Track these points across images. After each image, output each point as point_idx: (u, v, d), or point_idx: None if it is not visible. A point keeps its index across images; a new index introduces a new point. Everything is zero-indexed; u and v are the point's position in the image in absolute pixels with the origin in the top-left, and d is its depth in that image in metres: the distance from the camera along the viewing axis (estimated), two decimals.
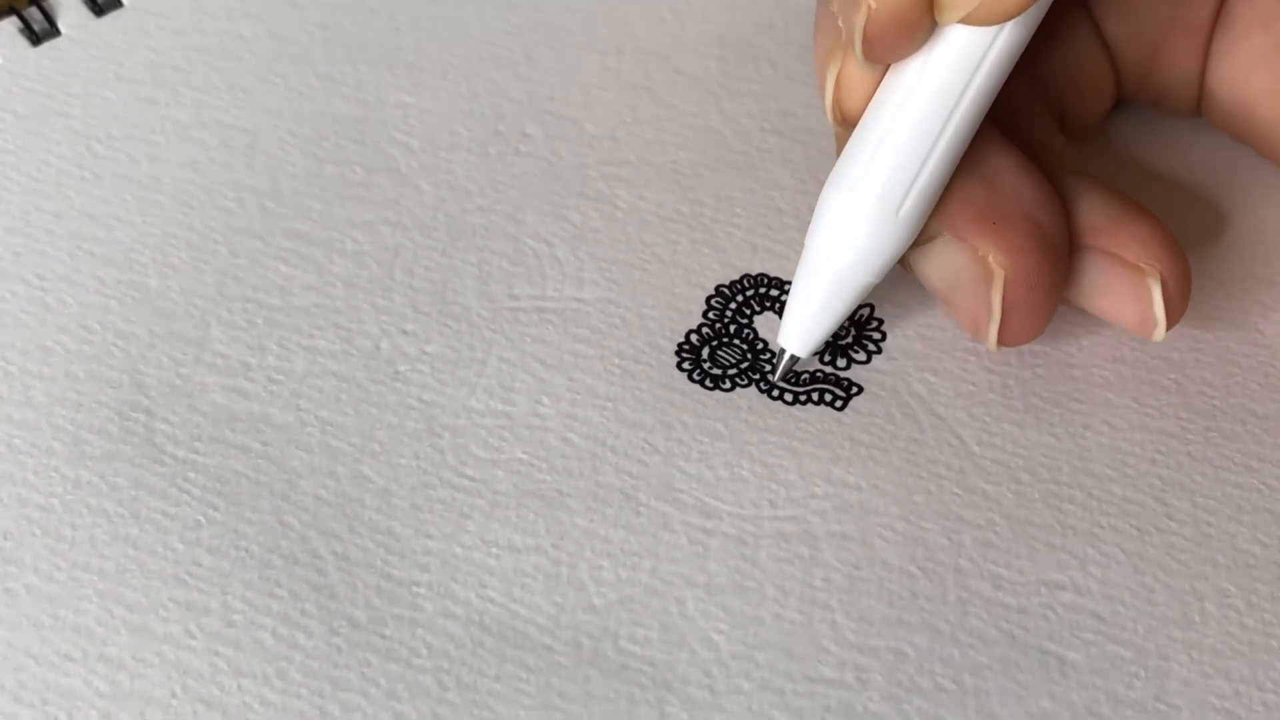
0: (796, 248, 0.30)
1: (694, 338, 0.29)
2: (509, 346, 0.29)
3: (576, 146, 0.32)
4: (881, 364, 0.29)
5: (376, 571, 0.26)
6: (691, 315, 0.30)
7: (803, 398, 0.28)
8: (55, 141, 0.33)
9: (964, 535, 0.26)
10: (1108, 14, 0.30)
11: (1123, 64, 0.30)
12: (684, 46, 0.35)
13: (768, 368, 0.29)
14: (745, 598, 0.26)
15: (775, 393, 0.28)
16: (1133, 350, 0.29)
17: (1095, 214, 0.27)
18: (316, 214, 0.31)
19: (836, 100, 0.27)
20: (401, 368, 0.29)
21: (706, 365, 0.29)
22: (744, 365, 0.29)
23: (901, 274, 0.30)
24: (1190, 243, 0.31)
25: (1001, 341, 0.27)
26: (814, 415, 0.28)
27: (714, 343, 0.29)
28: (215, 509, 0.27)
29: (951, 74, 0.25)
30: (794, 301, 0.27)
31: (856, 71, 0.26)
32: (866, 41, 0.25)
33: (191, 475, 0.27)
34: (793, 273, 0.29)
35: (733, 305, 0.30)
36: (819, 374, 0.29)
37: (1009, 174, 0.27)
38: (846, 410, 0.28)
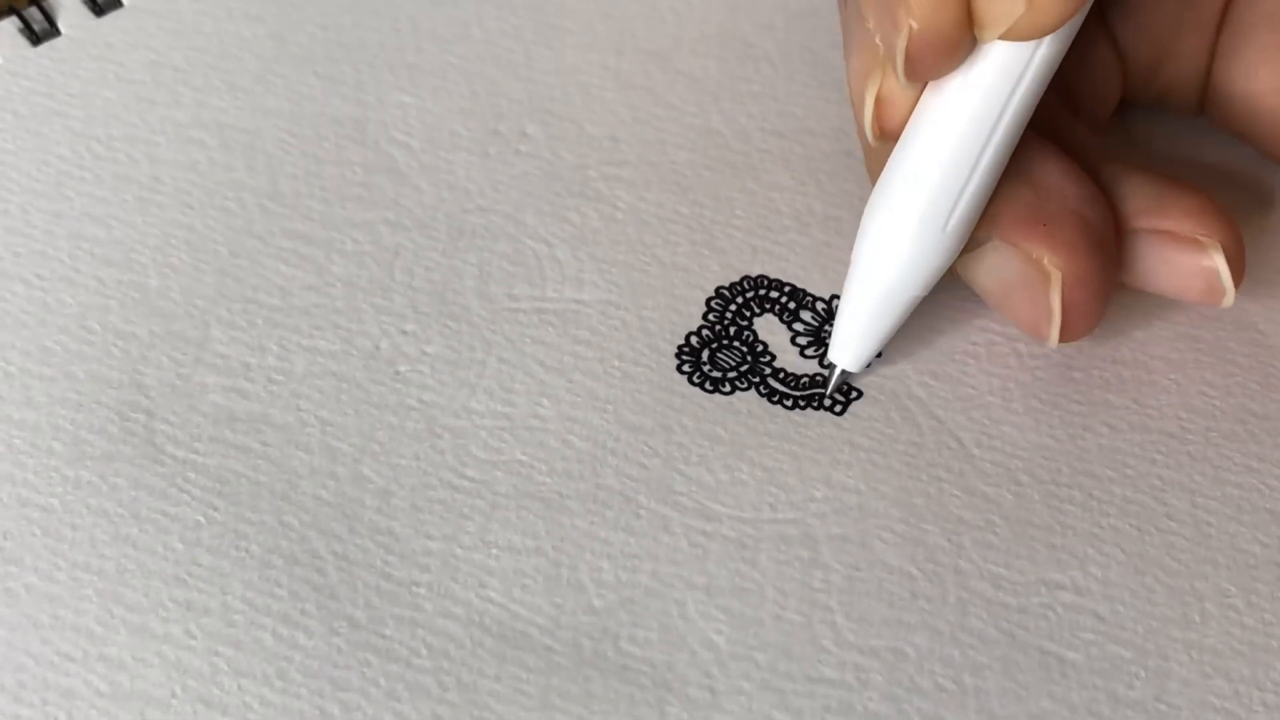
0: (797, 249, 0.31)
1: (694, 340, 0.29)
2: (509, 347, 0.29)
3: (576, 147, 0.32)
4: (880, 368, 0.29)
5: (376, 572, 0.26)
6: (691, 317, 0.30)
7: (802, 402, 0.28)
8: (55, 142, 0.32)
9: (964, 536, 0.26)
10: (1116, 13, 0.30)
11: (1131, 62, 0.30)
12: (684, 47, 0.34)
13: (767, 370, 0.29)
14: (745, 599, 0.26)
15: (775, 397, 0.28)
16: (1132, 351, 0.29)
17: (1140, 196, 0.27)
18: (316, 214, 0.31)
19: (877, 117, 0.27)
20: (401, 368, 0.29)
21: (706, 368, 0.29)
22: (744, 368, 0.29)
23: None
24: None
25: (1061, 339, 0.27)
26: (813, 419, 0.28)
27: (714, 345, 0.29)
28: (215, 509, 0.27)
29: (993, 89, 0.25)
30: (843, 318, 0.27)
31: (898, 88, 0.26)
32: (909, 61, 0.25)
33: (191, 475, 0.27)
34: (792, 274, 0.29)
35: (732, 307, 0.30)
36: (819, 378, 0.29)
37: (1052, 174, 0.27)
38: (846, 414, 0.28)
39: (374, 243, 0.31)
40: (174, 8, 0.35)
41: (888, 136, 0.27)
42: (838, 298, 0.30)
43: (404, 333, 0.29)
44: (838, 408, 0.28)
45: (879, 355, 0.29)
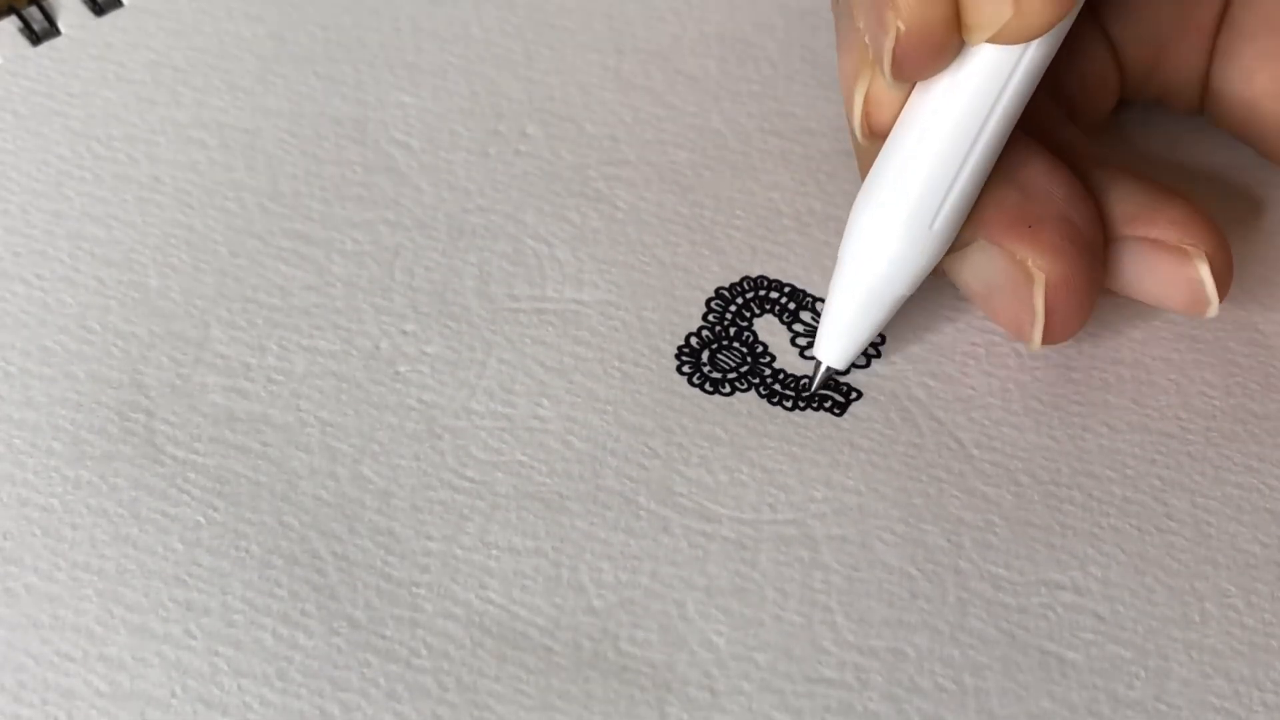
0: (797, 249, 0.31)
1: (694, 341, 0.29)
2: (509, 348, 0.29)
3: (576, 147, 0.32)
4: (880, 369, 0.29)
5: (376, 572, 0.26)
6: (691, 318, 0.30)
7: (802, 403, 0.28)
8: (55, 141, 0.32)
9: (964, 537, 0.26)
10: (1113, 13, 0.30)
11: (1128, 63, 0.30)
12: (684, 47, 0.34)
13: (767, 371, 0.29)
14: (745, 600, 0.26)
15: (775, 398, 0.28)
16: (1131, 351, 0.29)
17: (1128, 203, 0.27)
18: (316, 214, 0.31)
19: (866, 116, 0.27)
20: (401, 368, 0.29)
21: (706, 369, 0.29)
22: (744, 369, 0.29)
23: None
24: None
25: (1044, 341, 0.27)
26: (813, 420, 0.28)
27: (714, 346, 0.29)
28: (215, 509, 0.27)
29: (981, 90, 0.26)
30: (829, 315, 0.27)
31: (886, 89, 0.26)
32: (895, 62, 0.25)
33: (191, 475, 0.27)
34: (792, 275, 0.29)
35: (732, 308, 0.30)
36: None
37: (1039, 176, 0.27)
38: (846, 415, 0.28)
39: (374, 242, 0.31)
40: (174, 7, 0.35)
41: (876, 136, 0.27)
42: None
43: (404, 333, 0.29)
44: (838, 408, 0.28)
45: (877, 355, 0.29)
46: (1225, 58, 0.30)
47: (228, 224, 0.31)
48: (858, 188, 0.27)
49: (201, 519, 0.27)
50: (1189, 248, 0.27)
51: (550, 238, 0.31)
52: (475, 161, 0.32)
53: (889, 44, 0.25)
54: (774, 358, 0.29)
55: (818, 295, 0.30)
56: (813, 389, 0.28)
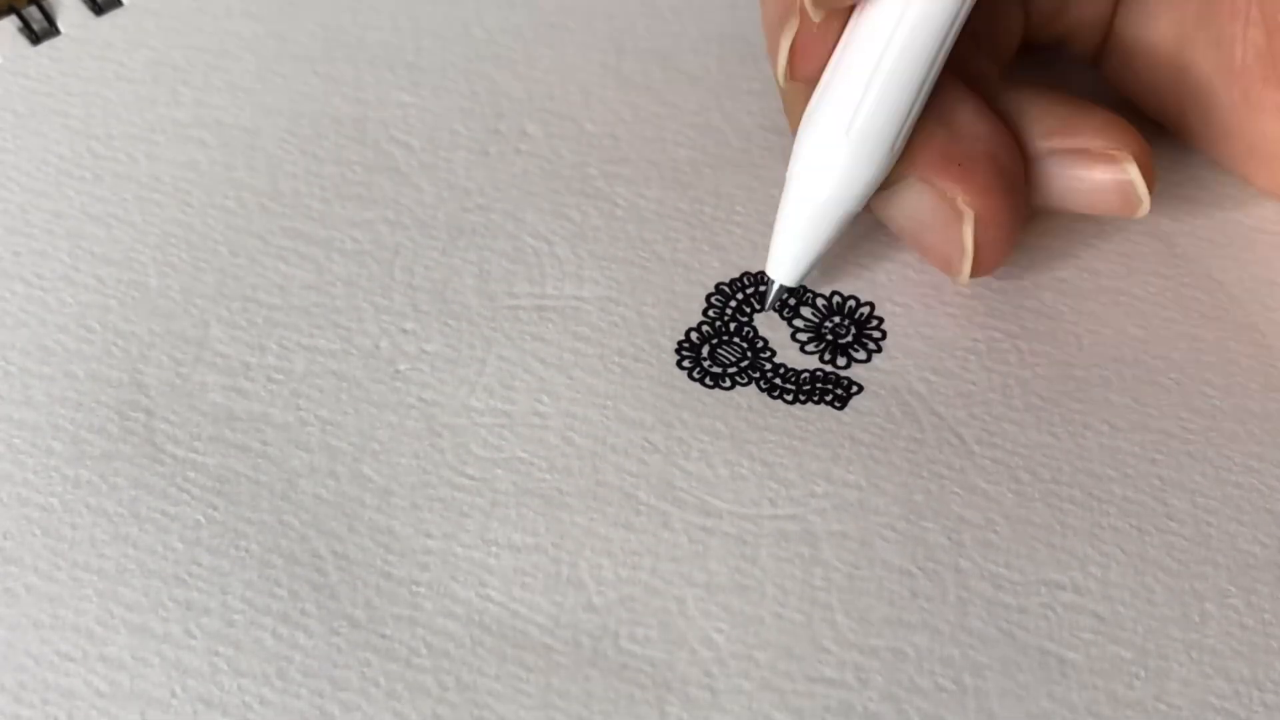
0: None
1: (694, 336, 0.29)
2: (509, 345, 0.29)
3: (576, 145, 0.32)
4: (881, 363, 0.29)
5: (376, 571, 0.26)
6: (691, 313, 0.30)
7: (803, 397, 0.28)
8: (55, 141, 0.33)
9: (964, 535, 0.26)
10: None
11: (1032, 5, 0.31)
12: (684, 45, 0.34)
13: (768, 366, 0.29)
14: (745, 597, 0.26)
15: (775, 392, 0.28)
16: (1132, 350, 0.29)
17: (1049, 118, 0.28)
18: (316, 213, 0.31)
19: (791, 60, 0.28)
20: (401, 367, 0.29)
21: (706, 364, 0.29)
22: (744, 364, 0.29)
23: (901, 273, 0.30)
24: (1190, 242, 0.31)
25: (973, 275, 0.28)
26: (814, 414, 0.28)
27: (714, 341, 0.29)
28: (215, 508, 0.27)
29: (934, 15, 0.26)
30: (779, 233, 0.28)
31: (814, 33, 0.27)
32: None
33: (191, 475, 0.27)
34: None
35: (733, 303, 0.30)
36: (819, 373, 0.29)
37: (966, 114, 0.28)
38: (846, 409, 0.28)
39: (374, 241, 0.31)
40: (174, 7, 0.35)
41: (801, 79, 0.28)
42: (838, 294, 0.30)
43: (404, 331, 0.29)
44: (839, 403, 0.28)
45: (878, 350, 0.29)
46: (1129, 3, 0.30)
47: (227, 223, 0.31)
48: None
49: (201, 518, 0.27)
50: (1114, 152, 0.28)
51: (550, 235, 0.31)
52: (475, 160, 0.32)
53: None
54: (774, 353, 0.29)
55: (817, 291, 0.30)
56: (765, 307, 0.29)
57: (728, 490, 0.27)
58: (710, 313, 0.30)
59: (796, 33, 0.28)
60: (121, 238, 0.31)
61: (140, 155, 0.32)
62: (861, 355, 0.29)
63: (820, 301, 0.30)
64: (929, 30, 0.27)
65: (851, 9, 0.27)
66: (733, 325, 0.29)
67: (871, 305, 0.30)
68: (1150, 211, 0.28)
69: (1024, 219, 0.28)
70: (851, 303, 0.30)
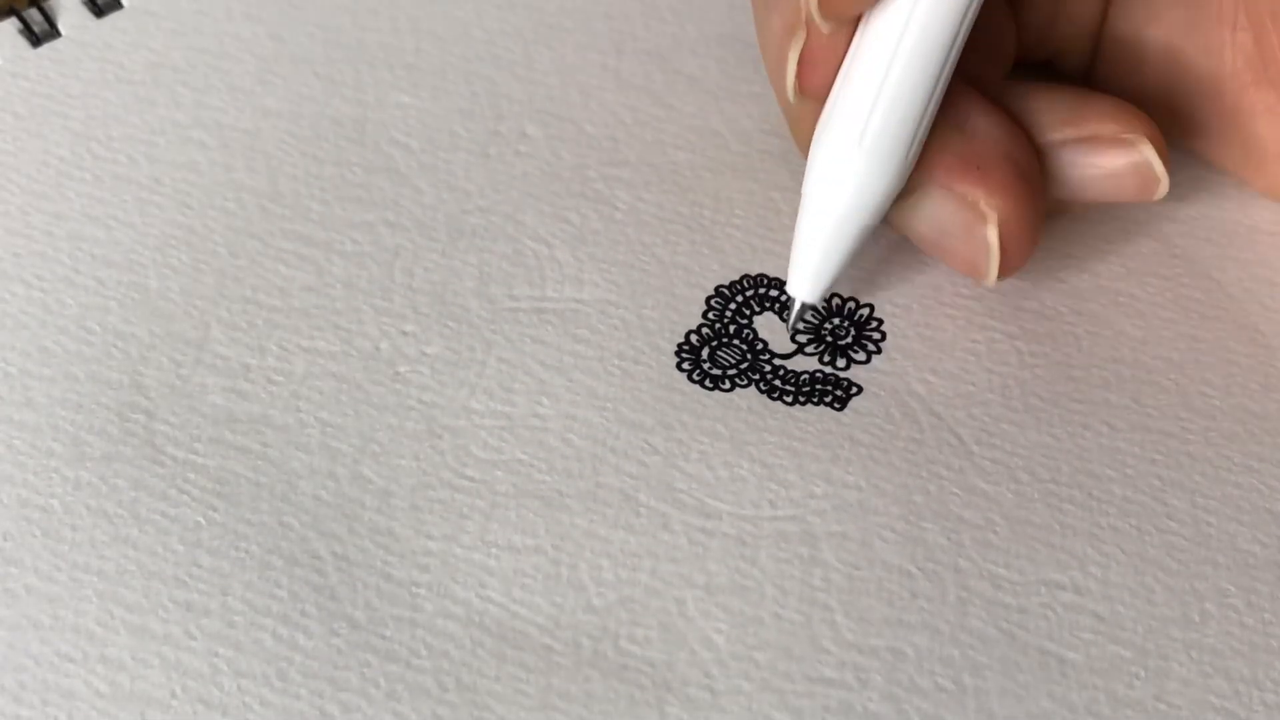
0: None
1: (694, 338, 0.29)
2: (509, 347, 0.29)
3: (576, 147, 0.32)
4: (881, 364, 0.29)
5: (376, 572, 0.26)
6: (691, 316, 0.30)
7: (802, 398, 0.28)
8: (55, 143, 0.33)
9: (963, 535, 0.26)
10: None
11: (1024, 21, 0.31)
12: (684, 47, 0.35)
13: (767, 368, 0.29)
14: (745, 598, 0.26)
15: (775, 393, 0.28)
16: (1132, 350, 0.29)
17: (1057, 108, 0.28)
18: (316, 215, 0.31)
19: (799, 75, 0.28)
20: (401, 369, 0.29)
21: (706, 366, 0.29)
22: (744, 365, 0.29)
23: (900, 274, 0.30)
24: (1189, 242, 0.31)
25: (1000, 276, 0.28)
26: (813, 415, 0.28)
27: (714, 343, 0.29)
28: (215, 510, 0.27)
29: (942, 22, 0.26)
30: (799, 250, 0.28)
31: (822, 45, 0.27)
32: (824, 1, 0.26)
33: (191, 476, 0.27)
34: None
35: (732, 306, 0.30)
36: (819, 374, 0.29)
37: (979, 118, 0.28)
38: (846, 410, 0.28)
39: (374, 243, 0.31)
40: (174, 9, 0.35)
41: (809, 93, 0.28)
42: (837, 295, 0.30)
43: (404, 333, 0.29)
44: (838, 404, 0.28)
45: (878, 351, 0.29)
46: (1120, 12, 0.30)
47: (227, 225, 0.31)
48: None
49: (201, 520, 0.27)
50: (1127, 135, 0.28)
51: (550, 238, 0.31)
52: (475, 162, 0.32)
53: None
54: (774, 355, 0.29)
55: None
56: (789, 326, 0.29)
57: (727, 491, 0.27)
58: (710, 315, 0.30)
59: (803, 47, 0.27)
60: (121, 239, 0.31)
61: (140, 157, 0.32)
62: (861, 356, 0.29)
63: (820, 304, 0.30)
64: (937, 36, 0.26)
65: (859, 19, 0.27)
66: (732, 328, 0.29)
67: (871, 306, 0.30)
68: (1150, 212, 0.28)
69: (1044, 215, 0.28)
70: (851, 304, 0.30)
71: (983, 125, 0.28)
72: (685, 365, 0.29)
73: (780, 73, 0.28)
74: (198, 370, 0.29)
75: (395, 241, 0.31)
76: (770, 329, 0.29)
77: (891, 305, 0.30)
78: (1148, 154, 0.28)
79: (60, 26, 0.35)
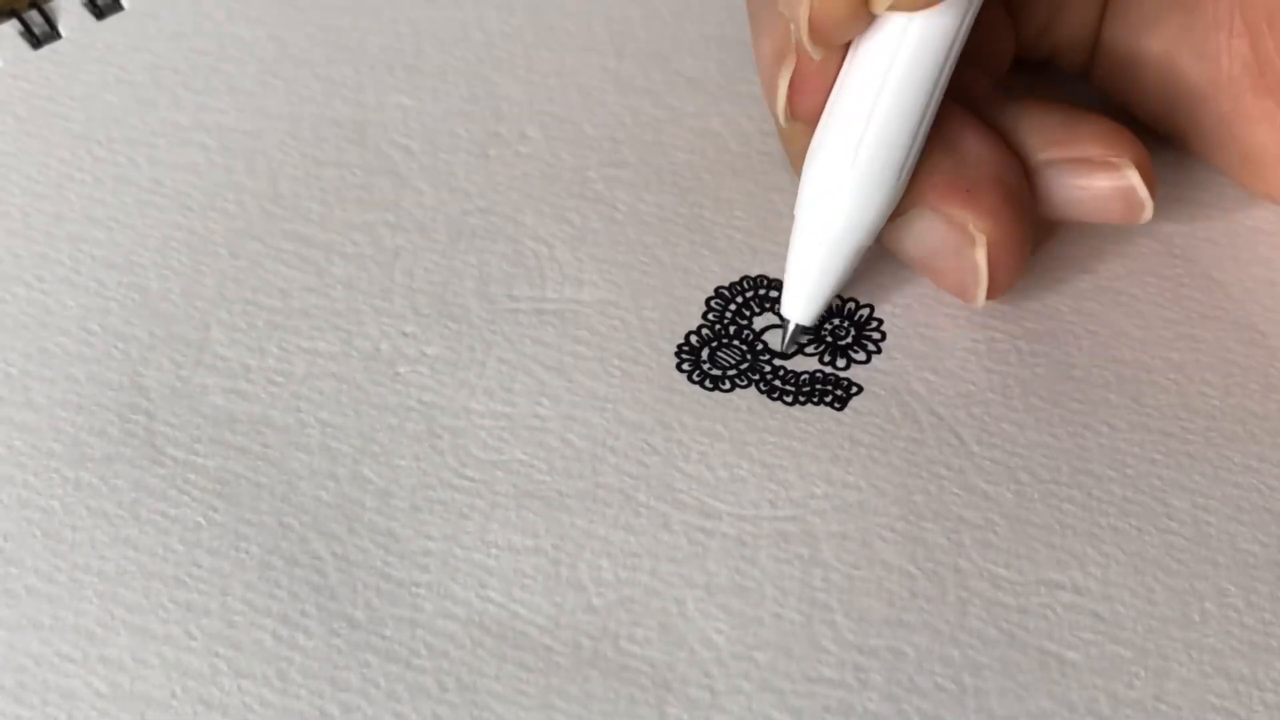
0: None
1: (693, 339, 0.29)
2: (509, 348, 0.29)
3: (576, 148, 0.33)
4: (881, 364, 0.29)
5: (376, 572, 0.26)
6: (691, 317, 0.30)
7: (802, 398, 0.28)
8: (56, 144, 0.33)
9: (963, 535, 0.26)
10: None
11: (1021, 22, 0.31)
12: (684, 48, 0.35)
13: (767, 369, 0.29)
14: (745, 598, 0.26)
15: (775, 393, 0.28)
16: (1132, 350, 0.29)
17: (1047, 129, 0.28)
18: (316, 216, 0.31)
19: (790, 99, 0.28)
20: (401, 369, 0.29)
21: (706, 366, 0.29)
22: (743, 366, 0.29)
23: (900, 274, 0.30)
24: (1189, 242, 0.31)
25: (988, 298, 0.28)
26: (813, 415, 0.28)
27: (713, 344, 0.29)
28: (215, 510, 0.27)
29: (932, 45, 0.26)
30: (793, 273, 0.28)
31: (812, 69, 0.27)
32: (813, 30, 0.26)
33: (192, 477, 0.27)
34: None
35: (732, 307, 0.30)
36: (819, 374, 0.29)
37: (970, 139, 0.28)
38: (846, 410, 0.28)
39: (374, 244, 0.31)
40: (174, 10, 0.35)
41: (801, 117, 0.28)
42: (837, 296, 0.30)
43: (404, 334, 0.29)
44: (838, 404, 0.28)
45: (878, 351, 0.29)
46: (1116, 18, 0.31)
47: (228, 226, 0.31)
48: None
49: (202, 520, 0.27)
50: (1114, 159, 0.28)
51: (550, 239, 0.31)
52: (475, 163, 0.32)
53: (804, 14, 0.26)
54: (773, 355, 0.29)
55: None
56: (782, 347, 0.29)
57: (727, 492, 0.27)
58: (710, 316, 0.30)
59: (794, 71, 0.28)
60: (122, 241, 0.31)
61: (141, 159, 0.32)
62: (861, 356, 0.29)
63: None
64: (927, 58, 0.27)
65: (848, 45, 0.27)
66: (732, 328, 0.29)
67: (871, 307, 0.30)
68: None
69: (1033, 237, 0.28)
70: (851, 304, 0.30)
71: (973, 147, 0.28)
72: (685, 366, 0.29)
73: (773, 96, 0.28)
74: (198, 371, 0.29)
75: (395, 242, 0.31)
76: (770, 329, 0.29)
77: (891, 305, 0.30)
78: (1133, 178, 0.28)
79: (61, 28, 0.35)
